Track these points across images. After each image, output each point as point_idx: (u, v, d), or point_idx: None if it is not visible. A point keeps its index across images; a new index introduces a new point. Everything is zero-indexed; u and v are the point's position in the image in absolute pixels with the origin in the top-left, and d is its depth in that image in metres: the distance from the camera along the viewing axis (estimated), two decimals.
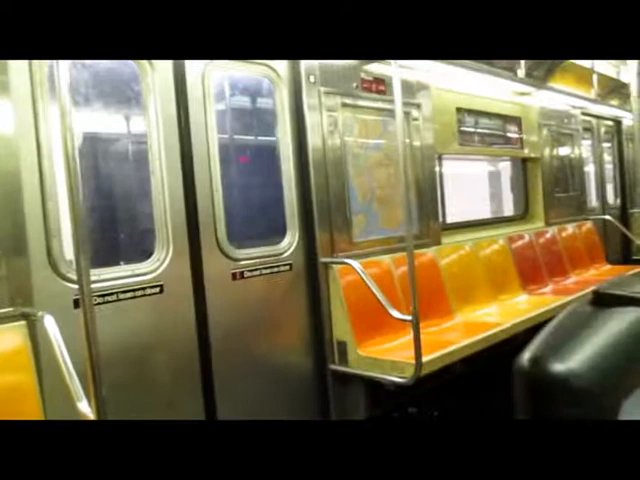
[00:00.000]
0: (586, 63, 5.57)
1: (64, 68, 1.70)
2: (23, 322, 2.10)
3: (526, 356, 0.91)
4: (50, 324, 2.00)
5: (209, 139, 2.77)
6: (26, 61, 2.18)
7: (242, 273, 2.85)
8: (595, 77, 5.66)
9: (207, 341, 2.68)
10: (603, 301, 1.06)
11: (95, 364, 1.71)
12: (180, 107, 2.68)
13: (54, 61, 1.72)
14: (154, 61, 2.57)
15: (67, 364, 1.89)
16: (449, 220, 4.50)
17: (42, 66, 2.22)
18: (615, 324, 0.99)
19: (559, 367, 0.85)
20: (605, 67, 6.02)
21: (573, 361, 0.86)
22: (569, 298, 4.13)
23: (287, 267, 3.06)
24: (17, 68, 2.16)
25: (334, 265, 3.14)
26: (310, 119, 3.15)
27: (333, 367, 3.13)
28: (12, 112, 2.14)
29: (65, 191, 1.74)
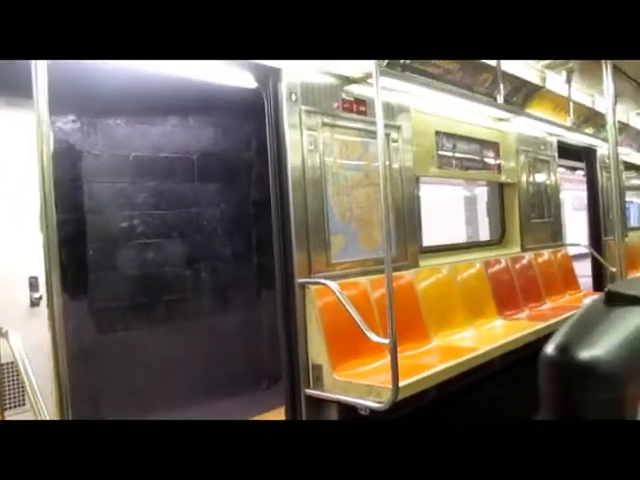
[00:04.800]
0: (563, 91, 5.77)
1: (43, 69, 1.66)
2: None
3: (552, 346, 0.99)
4: (15, 341, 1.95)
5: None
6: None
7: None
8: (571, 105, 5.85)
9: None
10: (615, 299, 1.16)
11: (62, 376, 1.67)
12: None
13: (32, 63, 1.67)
14: None
15: (31, 382, 1.85)
16: (425, 243, 4.57)
17: None
18: (632, 320, 1.08)
19: (585, 354, 0.93)
20: (580, 96, 6.24)
21: (598, 349, 0.94)
22: (544, 324, 4.21)
23: None
24: None
25: (311, 286, 3.16)
26: (290, 137, 3.20)
27: (308, 391, 3.12)
28: None
29: None
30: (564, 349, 0.95)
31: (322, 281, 3.12)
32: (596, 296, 1.26)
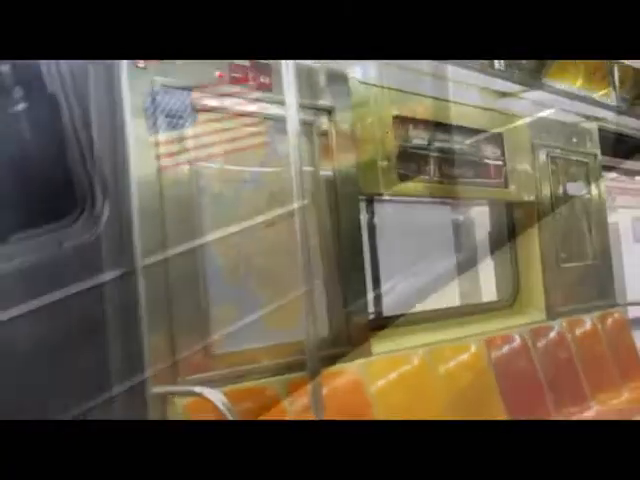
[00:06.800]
0: None
1: None
2: None
3: None
4: None
5: None
6: None
7: None
8: (616, 70, 6.10)
9: None
10: None
11: None
12: None
13: None
14: None
15: None
16: (387, 311, 4.59)
17: None
18: None
19: None
20: None
21: None
22: None
23: None
24: None
25: (177, 398, 3.13)
26: (136, 131, 3.16)
27: None
28: None
29: None
30: None
31: (197, 390, 3.04)
32: None
